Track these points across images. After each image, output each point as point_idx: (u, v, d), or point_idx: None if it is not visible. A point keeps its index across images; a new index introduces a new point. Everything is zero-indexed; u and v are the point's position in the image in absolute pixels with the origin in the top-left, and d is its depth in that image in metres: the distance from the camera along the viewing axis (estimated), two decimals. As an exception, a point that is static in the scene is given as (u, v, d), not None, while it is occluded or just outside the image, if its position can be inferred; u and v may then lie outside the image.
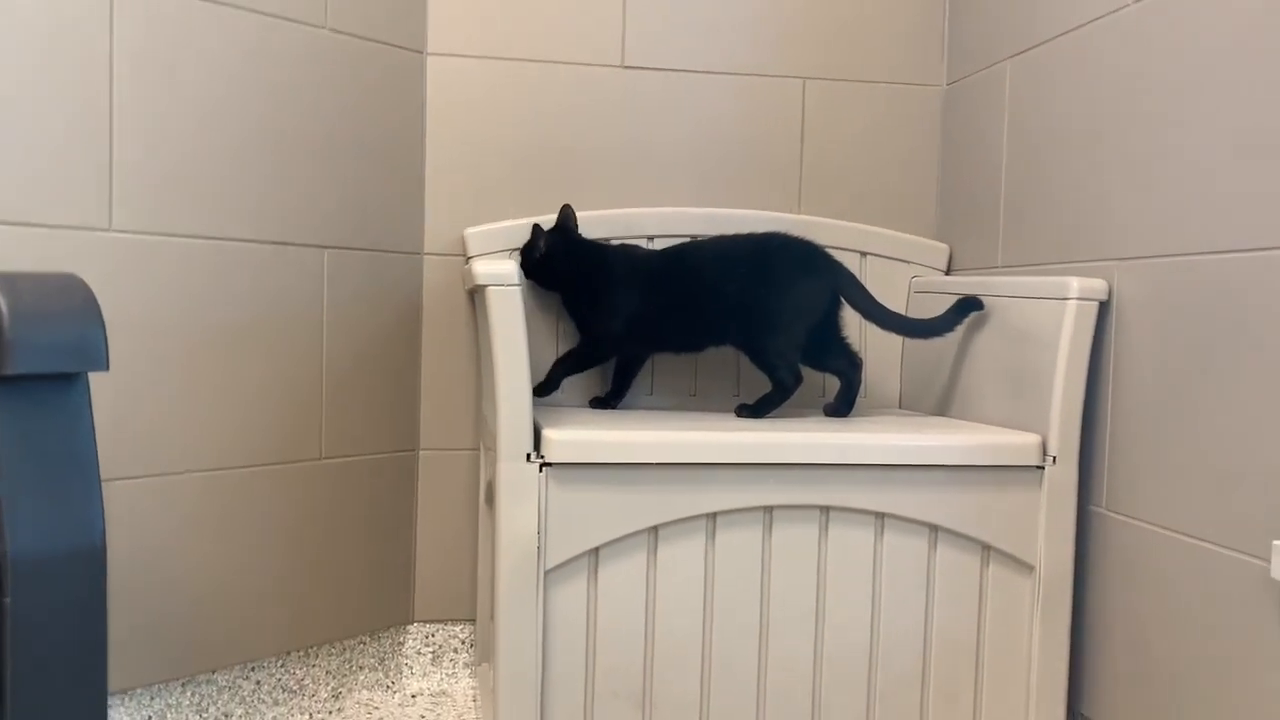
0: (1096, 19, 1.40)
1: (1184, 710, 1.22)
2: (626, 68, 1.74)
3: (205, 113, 1.42)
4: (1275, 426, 1.09)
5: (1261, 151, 1.12)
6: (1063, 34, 1.47)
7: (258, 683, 1.53)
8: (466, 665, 1.75)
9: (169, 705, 1.43)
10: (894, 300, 1.76)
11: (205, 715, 1.47)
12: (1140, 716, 1.30)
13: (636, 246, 1.67)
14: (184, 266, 1.41)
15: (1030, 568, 1.37)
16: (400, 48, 1.65)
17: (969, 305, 1.51)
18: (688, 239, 1.68)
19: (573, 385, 1.68)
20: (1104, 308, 1.36)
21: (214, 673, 1.48)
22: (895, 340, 1.76)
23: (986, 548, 1.36)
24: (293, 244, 1.53)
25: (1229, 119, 1.17)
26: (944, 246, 1.78)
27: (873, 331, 1.76)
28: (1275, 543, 1.06)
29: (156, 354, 1.39)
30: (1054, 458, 1.35)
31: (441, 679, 1.74)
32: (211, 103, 1.43)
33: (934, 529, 1.35)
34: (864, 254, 1.76)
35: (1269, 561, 1.08)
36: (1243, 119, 1.15)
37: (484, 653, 1.68)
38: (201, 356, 1.44)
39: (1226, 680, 1.16)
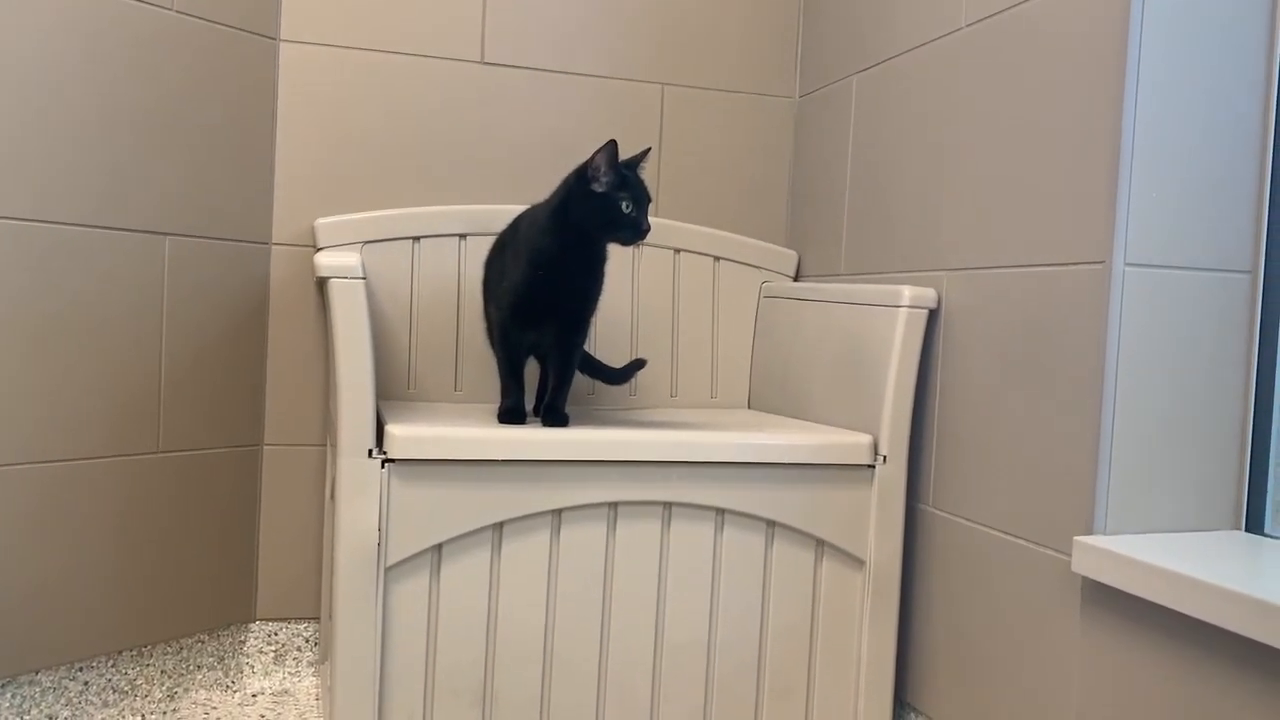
0: (934, 40, 1.47)
1: (997, 695, 1.30)
2: (486, 64, 1.74)
3: (40, 92, 1.36)
4: (1076, 430, 1.17)
5: (1072, 174, 1.19)
6: (904, 52, 1.54)
7: (86, 683, 1.48)
8: (311, 664, 1.72)
9: (-15, 708, 1.37)
10: (745, 306, 1.81)
11: (27, 718, 1.41)
12: (960, 703, 1.37)
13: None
14: (10, 251, 1.35)
15: (861, 562, 1.43)
16: (252, 33, 1.61)
17: (638, 364, 1.62)
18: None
19: (433, 380, 1.67)
20: (933, 316, 1.42)
21: (38, 673, 1.42)
22: (745, 342, 1.81)
23: (820, 543, 1.42)
24: (132, 230, 1.48)
25: (1045, 141, 1.24)
26: (793, 254, 1.84)
27: (723, 333, 1.81)
28: (1076, 538, 1.13)
29: (-23, 341, 1.33)
30: (884, 457, 1.42)
31: (284, 678, 1.71)
32: (47, 82, 1.37)
33: (771, 525, 1.40)
34: (717, 259, 1.80)
35: (1070, 556, 1.16)
36: (1057, 141, 1.22)
37: (326, 651, 1.65)
38: (28, 345, 1.38)
39: (1034, 666, 1.24)
